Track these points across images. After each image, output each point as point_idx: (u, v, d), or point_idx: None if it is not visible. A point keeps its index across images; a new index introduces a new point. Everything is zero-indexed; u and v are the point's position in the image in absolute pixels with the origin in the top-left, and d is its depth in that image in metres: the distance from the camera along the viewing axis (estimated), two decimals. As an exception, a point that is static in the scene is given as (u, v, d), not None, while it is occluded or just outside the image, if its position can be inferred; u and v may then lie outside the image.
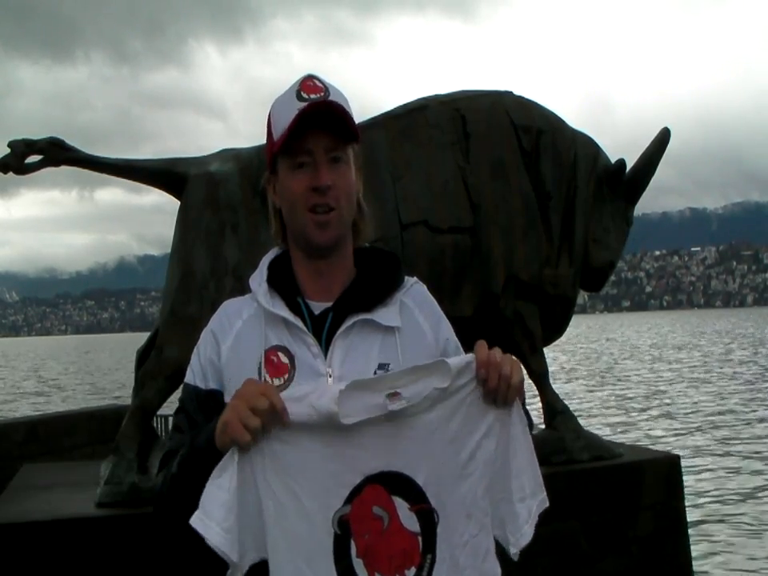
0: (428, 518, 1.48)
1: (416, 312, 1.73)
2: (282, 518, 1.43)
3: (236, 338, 1.68)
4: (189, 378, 1.71)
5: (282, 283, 1.71)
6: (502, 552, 1.56)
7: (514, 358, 1.56)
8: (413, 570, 1.46)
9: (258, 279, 1.72)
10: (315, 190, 1.64)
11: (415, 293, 1.77)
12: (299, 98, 1.64)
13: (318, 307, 1.69)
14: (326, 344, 1.64)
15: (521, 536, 1.53)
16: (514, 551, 1.54)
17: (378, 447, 1.45)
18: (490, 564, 1.53)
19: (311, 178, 1.64)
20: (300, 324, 1.65)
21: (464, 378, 1.52)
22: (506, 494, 1.53)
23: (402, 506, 1.46)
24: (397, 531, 1.45)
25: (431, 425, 1.48)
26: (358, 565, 1.43)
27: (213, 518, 1.39)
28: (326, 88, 1.66)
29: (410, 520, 1.46)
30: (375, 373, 1.63)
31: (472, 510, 1.51)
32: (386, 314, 1.68)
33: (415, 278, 1.80)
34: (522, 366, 5.66)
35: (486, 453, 1.52)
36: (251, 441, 1.42)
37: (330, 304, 1.69)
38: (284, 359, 1.64)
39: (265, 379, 1.62)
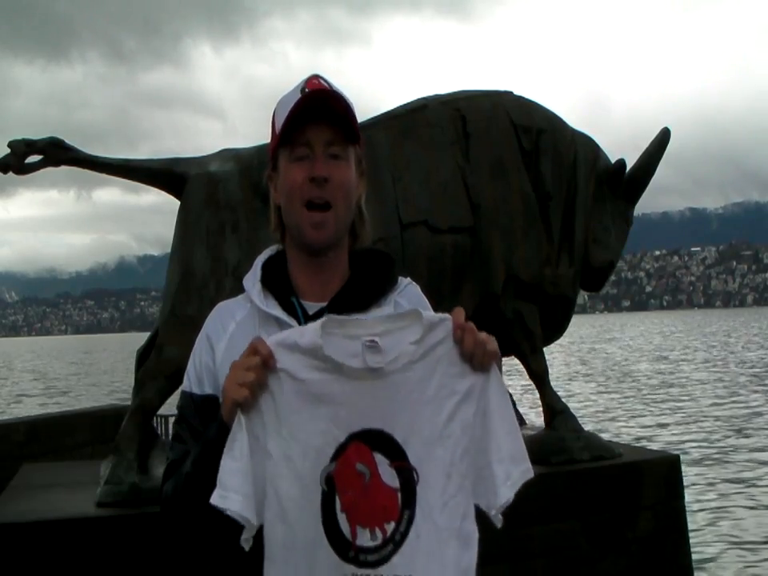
0: (407, 475, 1.50)
1: None
2: (277, 478, 1.47)
3: (230, 340, 1.68)
4: (185, 384, 1.71)
5: (276, 283, 1.71)
6: (486, 521, 1.55)
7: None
8: (392, 524, 1.48)
9: (252, 279, 1.72)
10: (312, 181, 1.64)
11: (410, 293, 1.76)
12: (303, 93, 1.64)
13: (312, 307, 1.69)
14: None
15: (496, 497, 1.53)
16: (493, 513, 1.54)
17: (361, 405, 1.49)
18: (468, 526, 1.54)
19: (309, 169, 1.64)
20: (294, 324, 1.65)
21: (438, 335, 1.54)
22: (485, 458, 1.54)
23: (382, 462, 1.49)
24: (377, 487, 1.48)
25: (410, 384, 1.51)
26: (342, 519, 1.46)
27: (230, 488, 1.43)
28: (330, 86, 1.67)
29: (390, 476, 1.49)
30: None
31: (451, 470, 1.52)
32: (380, 314, 1.68)
33: (409, 278, 1.80)
34: (522, 365, 5.59)
35: (465, 416, 1.54)
36: (249, 396, 1.45)
37: (324, 304, 1.69)
38: None
39: None
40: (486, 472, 1.54)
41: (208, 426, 1.56)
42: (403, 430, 1.50)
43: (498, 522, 1.55)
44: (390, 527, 1.48)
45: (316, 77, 1.68)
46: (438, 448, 1.52)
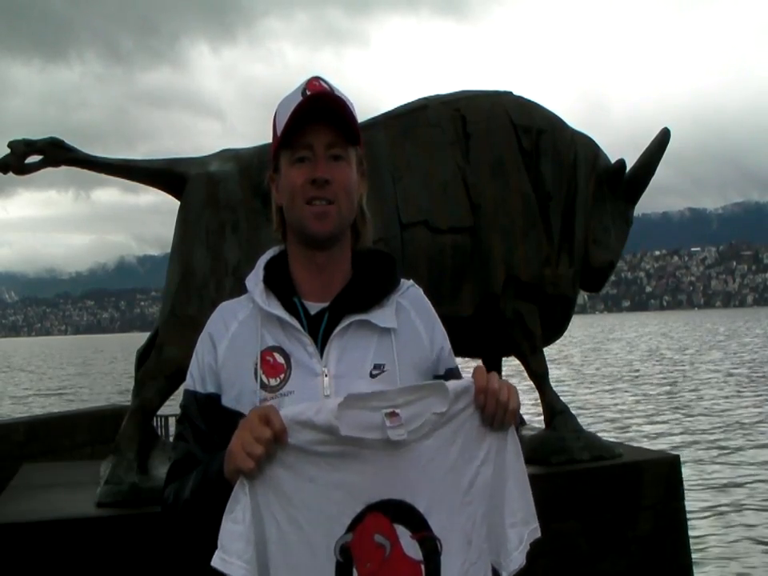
0: (431, 545, 1.48)
1: (412, 314, 1.73)
2: (284, 545, 1.43)
3: (232, 339, 1.68)
4: (188, 383, 1.71)
5: (279, 283, 1.71)
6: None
7: (510, 383, 1.56)
8: None
9: (254, 279, 1.73)
10: (314, 183, 1.64)
11: (411, 295, 1.77)
12: (303, 95, 1.65)
13: (314, 307, 1.69)
14: (321, 344, 1.65)
15: (510, 561, 1.53)
16: (505, 575, 1.54)
17: (379, 475, 1.45)
18: None
19: (310, 171, 1.65)
20: (296, 324, 1.65)
21: (462, 403, 1.52)
22: (499, 519, 1.53)
23: (404, 534, 1.46)
24: (399, 559, 1.45)
25: (431, 452, 1.49)
26: None
27: (233, 553, 1.40)
28: (331, 88, 1.68)
29: (412, 548, 1.46)
30: (371, 374, 1.64)
31: (472, 536, 1.51)
32: (382, 315, 1.68)
33: (411, 280, 1.80)
34: (522, 365, 5.57)
35: (484, 479, 1.52)
36: (255, 468, 1.42)
37: (326, 304, 1.69)
38: (280, 359, 1.64)
39: (261, 380, 1.63)
40: (499, 531, 1.53)
41: (213, 456, 1.55)
42: (425, 499, 1.47)
43: None
44: None
45: (317, 78, 1.69)
46: (461, 515, 1.50)
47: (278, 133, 1.68)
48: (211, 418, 1.65)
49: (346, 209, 1.69)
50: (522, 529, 1.53)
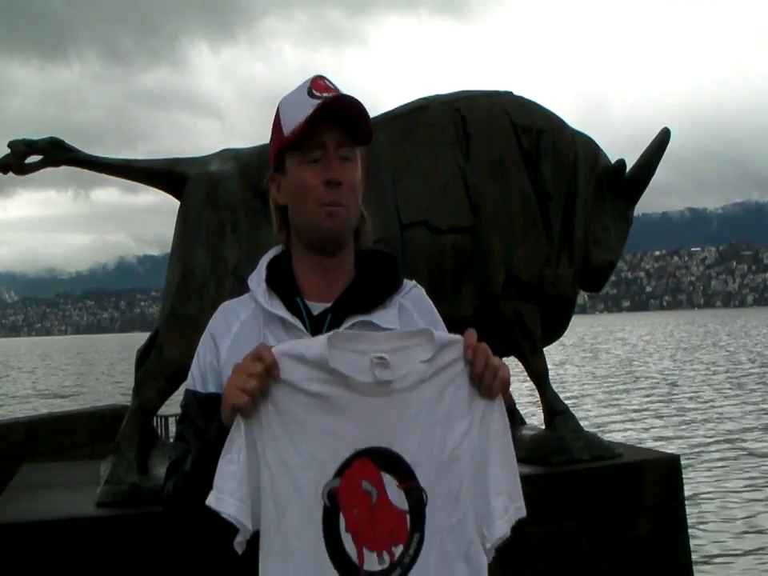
0: (417, 496, 1.48)
1: (414, 315, 1.72)
2: (274, 487, 1.44)
3: (234, 339, 1.68)
4: (189, 383, 1.71)
5: (281, 283, 1.70)
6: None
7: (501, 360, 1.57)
8: (400, 547, 1.46)
9: (257, 279, 1.72)
10: (328, 184, 1.63)
11: (414, 296, 1.76)
12: (311, 95, 1.64)
13: (316, 308, 1.68)
14: None
15: (492, 530, 1.52)
16: (488, 546, 1.52)
17: (368, 422, 1.46)
18: (476, 551, 1.52)
19: (323, 172, 1.64)
20: (298, 324, 1.65)
21: (450, 354, 1.52)
22: (483, 489, 1.53)
23: (390, 482, 1.47)
24: (385, 508, 1.46)
25: (419, 404, 1.49)
26: (347, 539, 1.44)
27: (226, 491, 1.42)
28: (337, 89, 1.67)
29: (398, 497, 1.47)
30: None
31: (459, 494, 1.51)
32: (384, 316, 1.68)
33: (414, 281, 1.79)
34: (522, 365, 5.57)
35: (472, 441, 1.52)
36: (250, 403, 1.44)
37: (328, 305, 1.68)
38: None
39: None
40: (482, 502, 1.52)
41: (209, 425, 1.56)
42: (413, 450, 1.48)
43: (490, 556, 1.53)
44: (398, 550, 1.46)
45: (321, 78, 1.68)
46: (448, 470, 1.50)
47: (285, 133, 1.66)
48: (212, 417, 1.65)
49: (353, 211, 1.69)
50: (507, 501, 1.53)
